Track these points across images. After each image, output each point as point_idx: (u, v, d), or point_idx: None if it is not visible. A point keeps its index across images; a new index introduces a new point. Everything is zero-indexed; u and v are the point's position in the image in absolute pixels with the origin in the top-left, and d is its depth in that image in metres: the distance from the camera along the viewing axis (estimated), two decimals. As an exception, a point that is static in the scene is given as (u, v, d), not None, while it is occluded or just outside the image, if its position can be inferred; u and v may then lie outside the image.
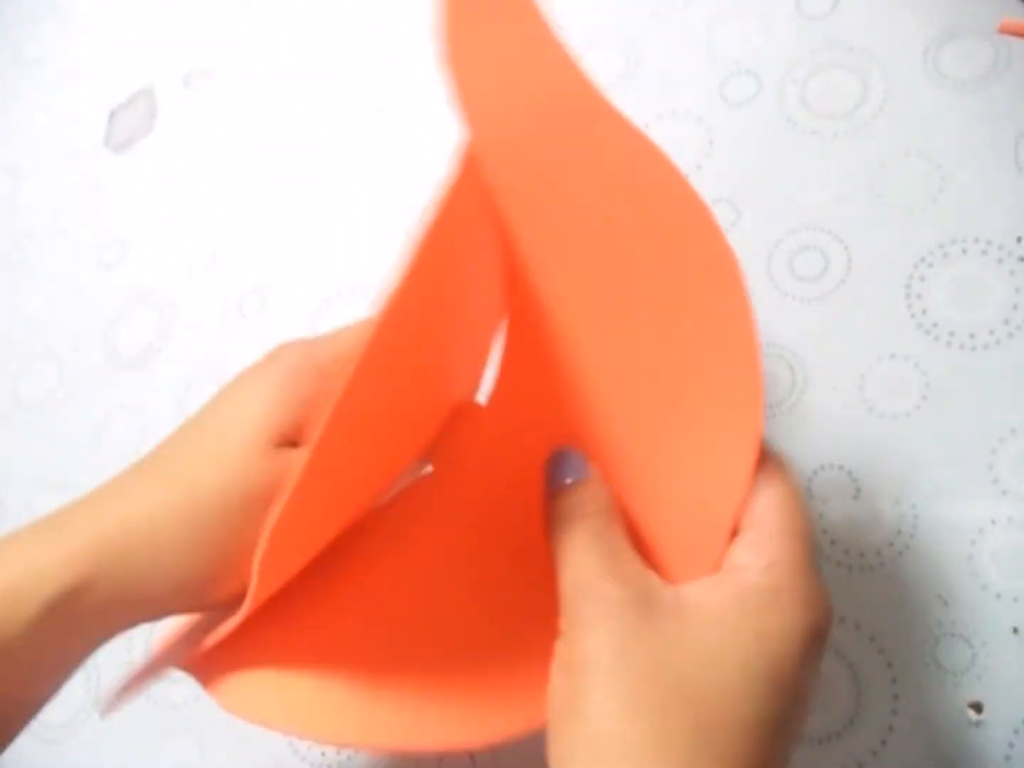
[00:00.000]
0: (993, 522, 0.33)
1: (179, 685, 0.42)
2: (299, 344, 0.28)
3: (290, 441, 0.26)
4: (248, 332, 0.50)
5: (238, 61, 0.59)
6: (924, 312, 0.37)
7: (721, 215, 0.41)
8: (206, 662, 0.27)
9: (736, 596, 0.21)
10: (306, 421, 0.26)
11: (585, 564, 0.22)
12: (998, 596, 0.32)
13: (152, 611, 0.25)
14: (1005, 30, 0.38)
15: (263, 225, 0.53)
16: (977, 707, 0.31)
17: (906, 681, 0.32)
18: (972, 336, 0.36)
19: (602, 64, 0.47)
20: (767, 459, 0.23)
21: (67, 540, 0.23)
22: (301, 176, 0.53)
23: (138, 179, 0.59)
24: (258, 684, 0.26)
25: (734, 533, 0.23)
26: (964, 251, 0.37)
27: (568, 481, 0.24)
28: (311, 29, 0.58)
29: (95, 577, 0.23)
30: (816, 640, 0.21)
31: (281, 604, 0.26)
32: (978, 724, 0.31)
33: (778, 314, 0.39)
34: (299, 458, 0.24)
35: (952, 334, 0.36)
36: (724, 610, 0.21)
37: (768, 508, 0.22)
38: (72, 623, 0.23)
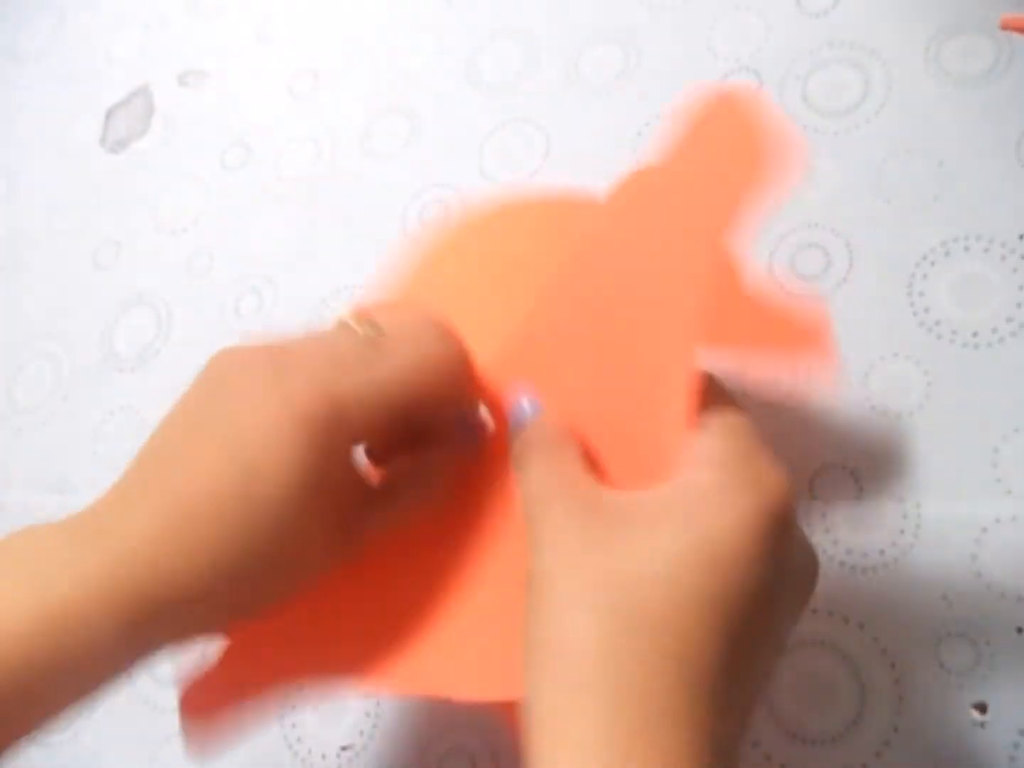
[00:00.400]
0: (997, 521, 0.33)
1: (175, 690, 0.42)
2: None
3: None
4: (246, 332, 0.50)
5: (234, 60, 0.59)
6: (927, 310, 0.37)
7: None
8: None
9: (675, 495, 0.21)
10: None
11: (539, 485, 0.23)
12: (1002, 595, 0.32)
13: (206, 609, 0.24)
14: (1007, 26, 0.38)
15: (259, 225, 0.53)
16: (981, 708, 0.31)
17: (910, 682, 0.32)
18: (975, 334, 0.36)
19: (601, 61, 0.47)
20: (717, 394, 0.24)
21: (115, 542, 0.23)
22: (298, 175, 0.53)
23: (134, 179, 0.58)
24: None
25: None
26: (967, 249, 0.37)
27: (527, 415, 0.26)
28: (307, 28, 0.58)
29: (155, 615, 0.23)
30: (767, 520, 0.20)
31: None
32: (983, 725, 0.31)
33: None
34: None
35: (955, 332, 0.36)
36: (663, 508, 0.21)
37: (713, 429, 0.23)
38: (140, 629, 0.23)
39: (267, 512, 0.23)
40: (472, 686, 0.26)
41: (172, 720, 0.42)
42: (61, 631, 0.22)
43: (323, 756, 0.39)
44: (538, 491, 0.23)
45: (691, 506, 0.21)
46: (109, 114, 0.62)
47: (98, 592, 0.22)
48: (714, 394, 0.24)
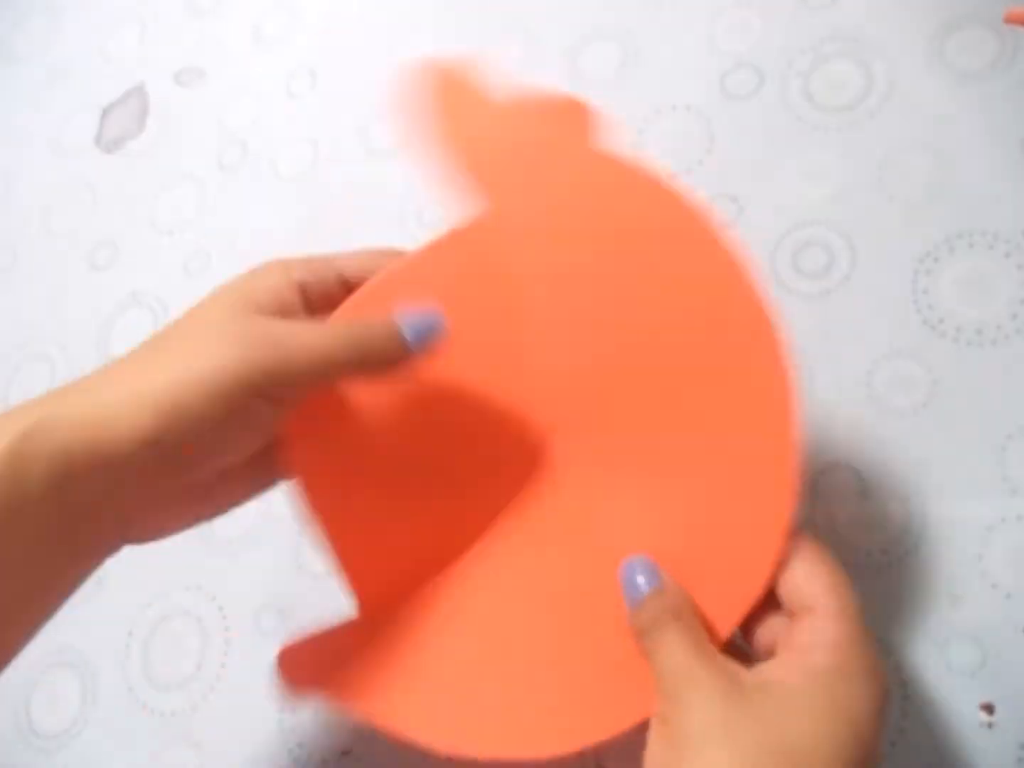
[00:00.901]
0: (1003, 520, 0.33)
1: (175, 694, 0.42)
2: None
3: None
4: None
5: (231, 59, 0.59)
6: (930, 307, 0.36)
7: (723, 211, 0.41)
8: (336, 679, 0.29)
9: (809, 673, 0.25)
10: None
11: (678, 657, 0.26)
12: (1008, 595, 0.32)
13: (126, 470, 0.24)
14: (1011, 20, 0.38)
15: (256, 225, 0.53)
16: (989, 708, 0.31)
17: (915, 683, 0.32)
18: (979, 332, 0.35)
19: (599, 58, 0.47)
20: (799, 534, 0.27)
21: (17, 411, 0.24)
22: (295, 175, 0.53)
23: (130, 179, 0.58)
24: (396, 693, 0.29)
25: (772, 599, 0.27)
26: (971, 245, 0.37)
27: (644, 587, 0.27)
28: (305, 26, 0.58)
29: (47, 419, 0.23)
30: (884, 706, 0.25)
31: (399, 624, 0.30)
32: (990, 726, 0.31)
33: (782, 311, 0.38)
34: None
35: (959, 330, 0.36)
36: (802, 686, 0.24)
37: (817, 588, 0.26)
38: (35, 468, 0.23)
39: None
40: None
41: (170, 725, 0.42)
42: None
43: (323, 761, 0.39)
44: (681, 663, 0.26)
45: (836, 691, 0.24)
46: (104, 113, 0.62)
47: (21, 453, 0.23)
48: (798, 533, 0.27)
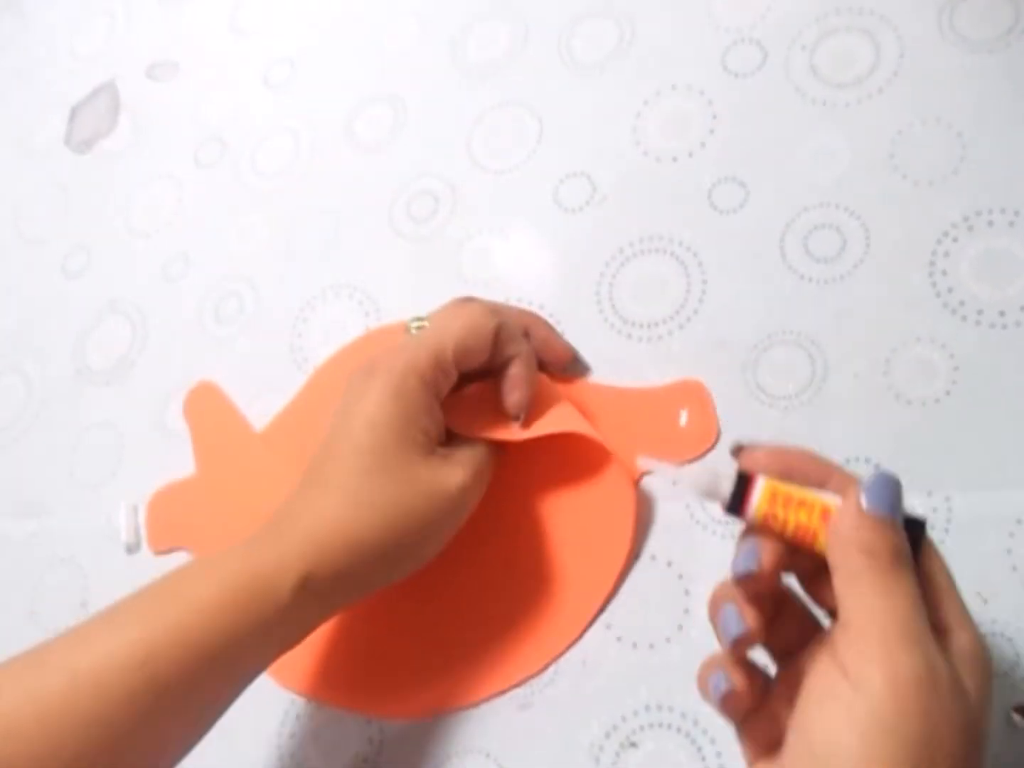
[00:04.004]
0: (1032, 512, 0.33)
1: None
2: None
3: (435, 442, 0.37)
4: (228, 338, 0.50)
5: (205, 51, 0.59)
6: (950, 290, 0.36)
7: (728, 195, 0.41)
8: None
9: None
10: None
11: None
12: (1041, 591, 0.32)
13: (365, 590, 0.36)
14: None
15: (237, 225, 0.53)
16: (1022, 711, 0.31)
17: (946, 686, 0.32)
18: (1002, 314, 0.36)
19: (594, 37, 0.47)
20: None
21: (288, 543, 0.34)
22: (277, 170, 0.53)
23: (103, 180, 0.58)
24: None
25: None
26: (990, 223, 0.37)
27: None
28: (282, 14, 0.58)
29: (315, 571, 0.33)
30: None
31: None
32: (1025, 729, 0.31)
33: (794, 298, 0.39)
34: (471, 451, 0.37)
35: (980, 312, 0.36)
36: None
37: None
38: (307, 606, 0.33)
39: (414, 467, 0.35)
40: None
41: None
42: (259, 593, 0.32)
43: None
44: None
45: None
46: (73, 112, 0.62)
47: (284, 562, 0.33)
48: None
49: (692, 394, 0.39)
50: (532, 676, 0.38)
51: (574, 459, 0.39)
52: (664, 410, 0.39)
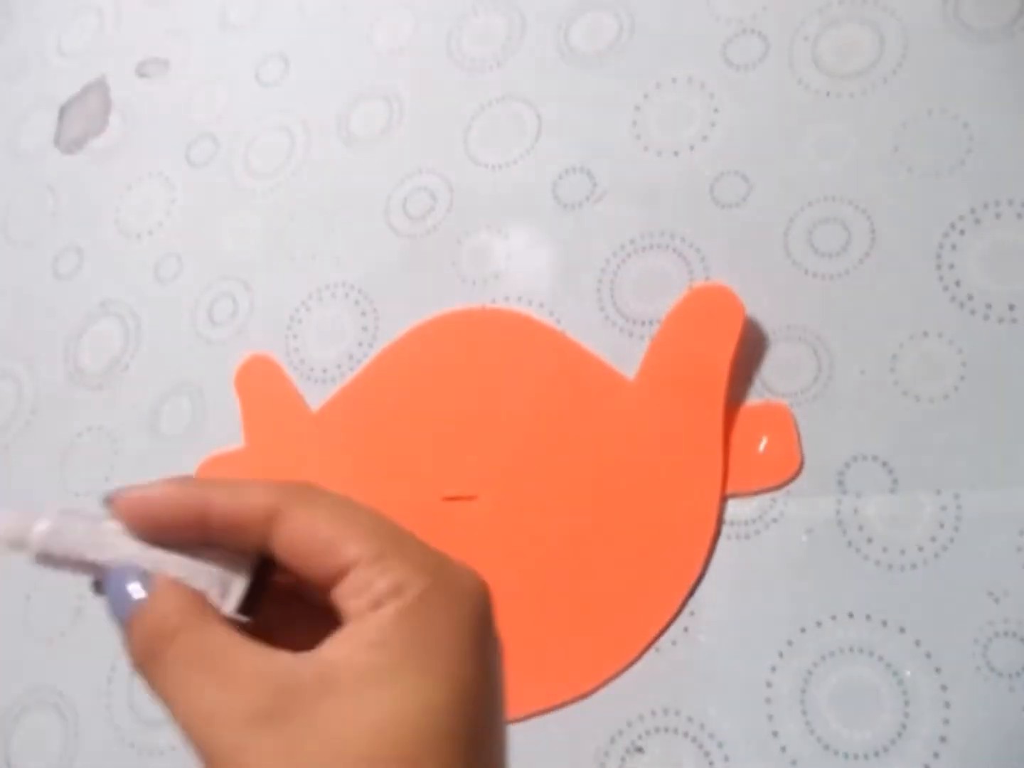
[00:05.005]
0: (1044, 509, 0.33)
1: (164, 731, 0.42)
2: None
3: None
4: (221, 340, 0.50)
5: (196, 47, 0.59)
6: (957, 284, 0.36)
7: (730, 189, 0.41)
8: None
9: (375, 643, 0.21)
10: None
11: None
12: (1053, 590, 0.32)
13: None
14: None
15: (231, 224, 0.52)
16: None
17: (957, 688, 0.32)
18: (1011, 307, 0.35)
19: (592, 30, 0.47)
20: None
21: None
22: (270, 168, 0.53)
23: (93, 180, 0.58)
24: None
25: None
26: (998, 215, 0.37)
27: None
28: (274, 8, 0.57)
29: None
30: (482, 620, 0.22)
31: None
32: (1038, 731, 0.31)
33: (798, 294, 0.38)
34: None
35: (989, 306, 0.36)
36: (370, 661, 0.21)
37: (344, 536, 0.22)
38: None
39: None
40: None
41: (159, 764, 0.42)
42: None
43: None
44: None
45: (408, 653, 0.21)
46: (63, 111, 0.62)
47: None
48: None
49: (775, 418, 0.37)
50: (581, 697, 0.37)
51: (648, 479, 0.39)
52: (742, 433, 0.37)
